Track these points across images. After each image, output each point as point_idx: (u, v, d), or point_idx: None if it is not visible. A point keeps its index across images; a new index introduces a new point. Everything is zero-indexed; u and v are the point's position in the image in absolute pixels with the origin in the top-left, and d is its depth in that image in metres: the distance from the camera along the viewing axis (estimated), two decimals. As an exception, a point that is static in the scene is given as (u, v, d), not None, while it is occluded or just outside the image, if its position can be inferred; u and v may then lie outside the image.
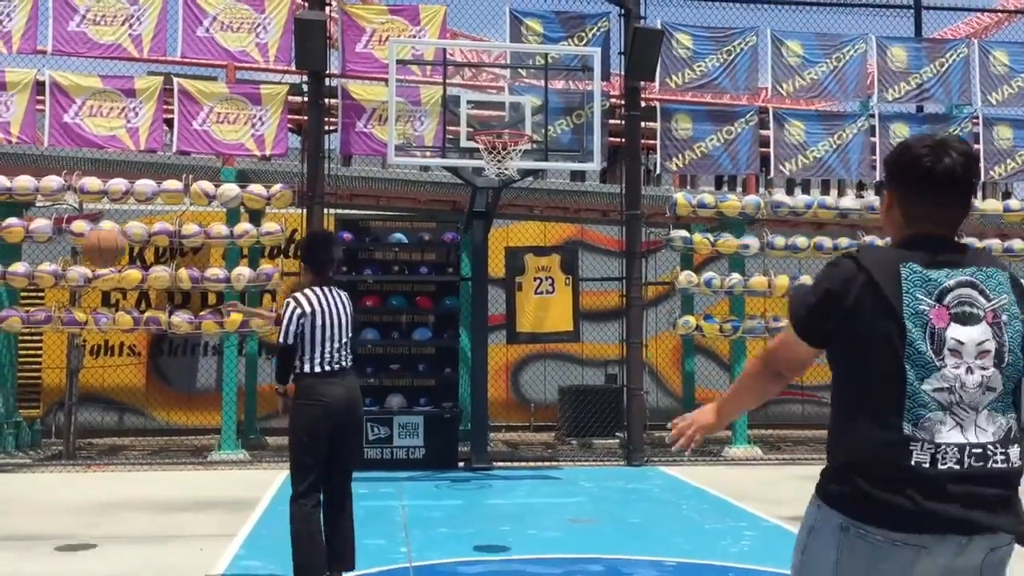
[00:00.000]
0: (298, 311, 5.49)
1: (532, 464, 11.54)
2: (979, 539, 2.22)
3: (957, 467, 2.21)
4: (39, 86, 11.44)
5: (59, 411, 12.59)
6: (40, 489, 9.53)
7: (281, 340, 5.50)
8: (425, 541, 7.04)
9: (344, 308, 5.65)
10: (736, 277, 12.20)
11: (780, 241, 12.24)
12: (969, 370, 2.25)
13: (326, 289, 5.64)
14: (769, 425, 15.31)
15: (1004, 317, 2.31)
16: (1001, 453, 2.24)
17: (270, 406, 13.72)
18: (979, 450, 2.22)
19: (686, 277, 12.13)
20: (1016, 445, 2.28)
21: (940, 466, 2.21)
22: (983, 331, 2.28)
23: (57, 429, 12.58)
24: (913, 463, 2.22)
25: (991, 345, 2.27)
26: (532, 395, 15.17)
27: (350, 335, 5.64)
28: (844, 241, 12.29)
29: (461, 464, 11.06)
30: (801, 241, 12.31)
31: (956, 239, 2.40)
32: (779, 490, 9.72)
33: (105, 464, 11.34)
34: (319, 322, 5.48)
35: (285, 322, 5.49)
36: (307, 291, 5.61)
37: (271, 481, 9.92)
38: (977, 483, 2.21)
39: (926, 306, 2.27)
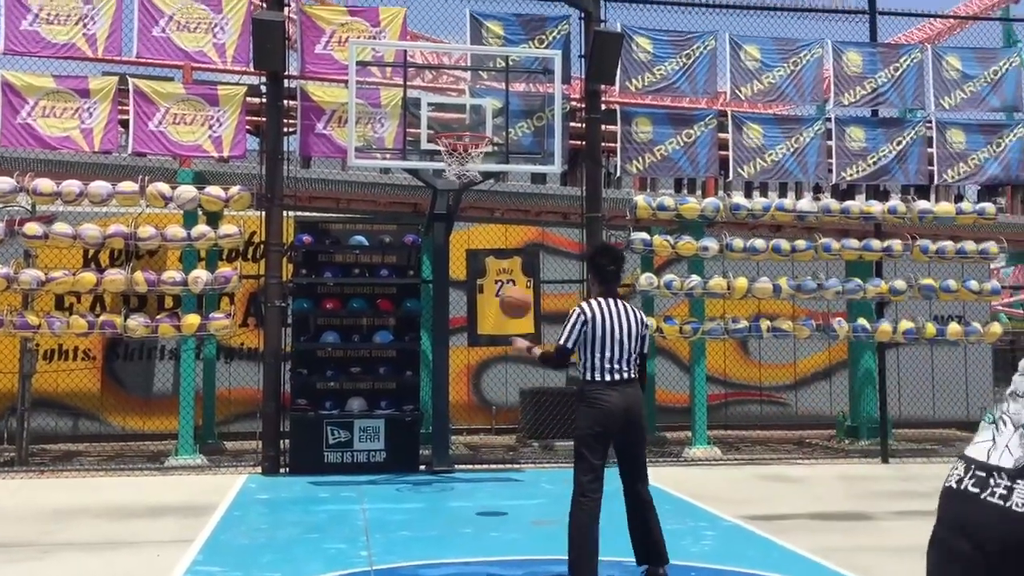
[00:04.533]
0: (582, 318, 5.60)
1: (494, 467, 11.53)
2: None
3: None
4: (-10, 86, 11.23)
5: (11, 417, 12.35)
6: (-8, 496, 9.34)
7: (561, 342, 5.62)
8: (386, 545, 7.00)
9: (630, 320, 5.65)
10: (696, 279, 12.29)
11: (739, 243, 12.35)
12: None
13: (612, 301, 5.71)
14: (728, 426, 15.47)
15: None
16: None
17: (227, 410, 13.65)
18: None
19: (646, 279, 12.20)
20: None
21: None
22: None
23: (9, 435, 12.35)
24: None
25: None
26: (493, 397, 15.16)
27: (635, 348, 5.65)
28: (802, 243, 12.43)
29: (422, 467, 11.02)
30: (759, 243, 12.42)
31: None
32: (739, 490, 9.81)
33: (59, 470, 11.14)
34: (598, 332, 5.57)
35: (568, 327, 5.61)
36: (593, 300, 5.72)
37: (229, 486, 9.80)
38: None
39: None
